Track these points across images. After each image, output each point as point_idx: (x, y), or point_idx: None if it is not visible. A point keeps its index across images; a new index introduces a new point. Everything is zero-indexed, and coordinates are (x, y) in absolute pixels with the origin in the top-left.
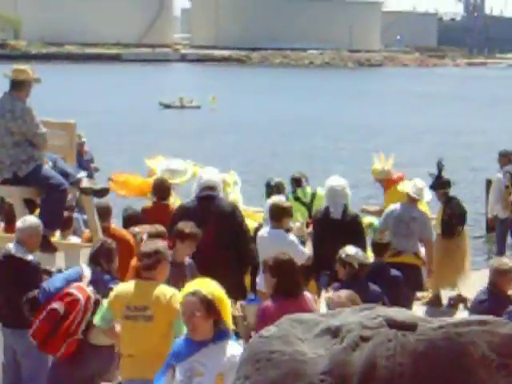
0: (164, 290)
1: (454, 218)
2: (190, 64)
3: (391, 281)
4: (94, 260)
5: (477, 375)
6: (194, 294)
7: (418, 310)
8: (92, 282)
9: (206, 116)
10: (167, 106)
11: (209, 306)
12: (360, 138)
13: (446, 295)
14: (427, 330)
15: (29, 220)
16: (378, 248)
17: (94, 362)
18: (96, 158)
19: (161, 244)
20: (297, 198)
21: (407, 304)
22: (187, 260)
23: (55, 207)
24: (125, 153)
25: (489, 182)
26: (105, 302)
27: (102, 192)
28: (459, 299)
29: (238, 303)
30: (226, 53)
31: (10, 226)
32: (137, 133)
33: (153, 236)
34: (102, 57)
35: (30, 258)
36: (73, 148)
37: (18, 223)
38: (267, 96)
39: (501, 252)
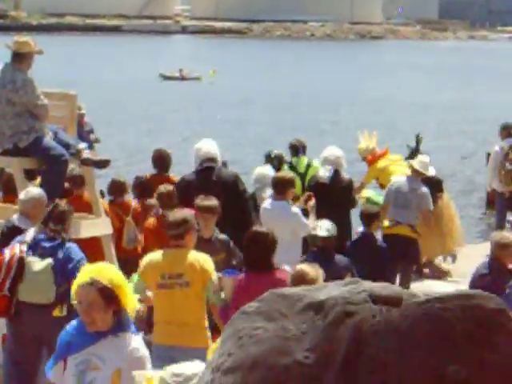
0: (196, 256)
1: (430, 185)
2: (191, 36)
3: (376, 251)
4: (43, 222)
5: (461, 350)
6: (91, 283)
7: (421, 282)
8: (32, 243)
9: (205, 88)
10: (167, 78)
11: (108, 296)
12: (361, 110)
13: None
14: (412, 304)
15: (31, 191)
16: (366, 218)
17: (26, 320)
18: (96, 130)
19: (188, 213)
20: (292, 168)
21: (392, 275)
22: (221, 236)
23: (56, 178)
24: (125, 124)
25: (489, 155)
26: (135, 274)
27: (103, 163)
28: (439, 271)
29: (216, 274)
30: (226, 25)
31: (8, 196)
32: (136, 104)
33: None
34: (102, 28)
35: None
36: (73, 119)
37: (21, 195)
38: (268, 68)
39: (500, 226)
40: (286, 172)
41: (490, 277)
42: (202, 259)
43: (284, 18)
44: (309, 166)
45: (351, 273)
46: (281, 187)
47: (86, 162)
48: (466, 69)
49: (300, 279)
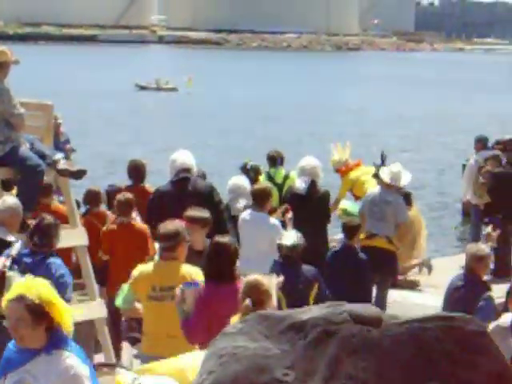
0: (188, 269)
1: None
2: (167, 46)
3: (357, 263)
4: (28, 235)
5: (438, 368)
6: (18, 299)
7: (397, 294)
8: (17, 257)
9: (181, 99)
10: (143, 88)
11: (36, 312)
12: (337, 121)
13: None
14: (392, 325)
15: (8, 201)
16: (348, 230)
17: (5, 334)
18: (72, 140)
19: (179, 224)
20: (270, 178)
21: (370, 289)
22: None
23: (32, 189)
24: (100, 134)
25: (464, 167)
26: (125, 285)
27: (79, 173)
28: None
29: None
30: (202, 35)
31: None
32: (112, 114)
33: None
34: (78, 38)
35: (11, 238)
36: (50, 129)
37: None
38: (244, 79)
39: (475, 238)
40: (264, 184)
41: (464, 289)
42: (194, 273)
43: (261, 30)
44: (286, 177)
45: (318, 283)
46: (260, 199)
47: (62, 173)
48: (442, 81)
49: (254, 289)
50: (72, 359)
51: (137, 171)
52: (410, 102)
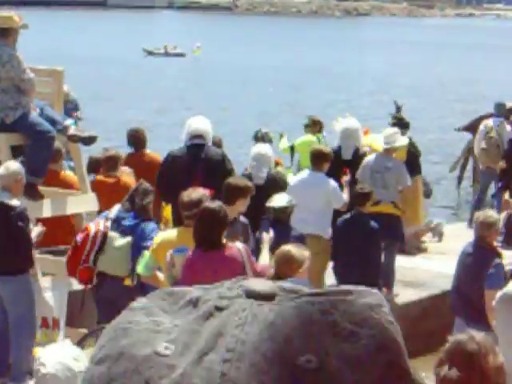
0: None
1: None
2: (177, 11)
3: (368, 231)
4: (128, 199)
5: (319, 342)
6: None
7: (406, 260)
8: (115, 219)
9: (189, 64)
10: (150, 53)
11: None
12: (348, 87)
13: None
14: (284, 299)
15: (11, 166)
16: (359, 198)
17: (103, 288)
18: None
19: (202, 193)
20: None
21: (380, 256)
22: (241, 219)
23: (42, 154)
24: (107, 100)
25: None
26: (147, 251)
27: (89, 139)
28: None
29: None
30: (212, 0)
31: None
32: (119, 80)
33: None
34: (87, 2)
35: (16, 203)
36: (60, 95)
37: (1, 170)
38: (253, 44)
39: (477, 203)
40: (323, 146)
41: (475, 256)
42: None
43: None
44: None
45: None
46: (318, 160)
47: (72, 139)
48: (455, 46)
49: (283, 260)
50: None
51: (137, 139)
52: (429, 68)
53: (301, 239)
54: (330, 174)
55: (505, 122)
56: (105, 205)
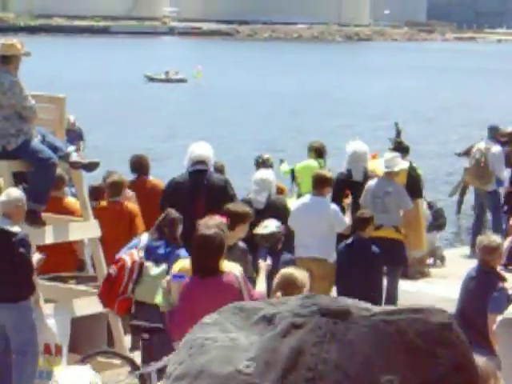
0: (228, 265)
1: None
2: (179, 37)
3: (370, 256)
4: (156, 228)
5: (396, 361)
6: None
7: (409, 284)
8: (146, 248)
9: (190, 90)
10: (152, 79)
11: None
12: (349, 112)
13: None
14: (359, 318)
15: (13, 193)
16: (359, 223)
17: (140, 317)
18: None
19: (219, 220)
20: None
21: (381, 281)
22: (240, 244)
23: (44, 181)
24: (109, 126)
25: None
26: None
27: (91, 166)
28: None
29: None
30: (214, 26)
31: None
32: (120, 106)
33: None
34: (90, 29)
35: (17, 229)
36: (62, 122)
37: (3, 196)
38: (255, 70)
39: (476, 226)
40: (325, 171)
41: (478, 280)
42: (233, 269)
43: (272, 20)
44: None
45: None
46: (320, 184)
47: (74, 165)
48: (457, 71)
49: (287, 283)
50: None
51: (139, 165)
52: (432, 92)
53: (291, 264)
54: (341, 197)
55: (492, 143)
56: (109, 231)
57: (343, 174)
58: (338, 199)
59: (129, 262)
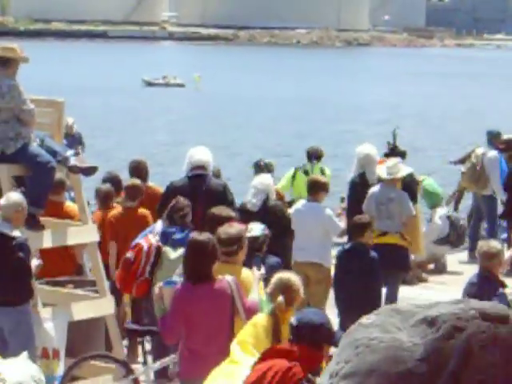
0: (247, 273)
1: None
2: (177, 42)
3: (368, 262)
4: (167, 217)
5: None
6: None
7: (408, 290)
8: (162, 233)
9: (189, 95)
10: (150, 84)
11: None
12: (348, 117)
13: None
14: None
15: (12, 197)
16: (357, 228)
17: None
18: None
19: (239, 228)
20: (306, 173)
21: (381, 286)
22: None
23: (43, 185)
24: (108, 131)
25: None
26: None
27: (90, 170)
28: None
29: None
30: (213, 31)
31: None
32: (118, 111)
33: None
34: (89, 34)
35: (17, 233)
36: (60, 126)
37: (2, 200)
38: (254, 75)
39: (473, 231)
40: (320, 176)
41: (479, 286)
42: (250, 276)
43: (271, 25)
44: (322, 172)
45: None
46: (314, 189)
47: (72, 169)
48: (457, 76)
49: (287, 287)
50: None
51: (138, 170)
52: (432, 98)
53: (277, 267)
54: (357, 199)
55: (489, 148)
56: (123, 234)
57: (357, 177)
58: (354, 203)
59: (145, 246)
